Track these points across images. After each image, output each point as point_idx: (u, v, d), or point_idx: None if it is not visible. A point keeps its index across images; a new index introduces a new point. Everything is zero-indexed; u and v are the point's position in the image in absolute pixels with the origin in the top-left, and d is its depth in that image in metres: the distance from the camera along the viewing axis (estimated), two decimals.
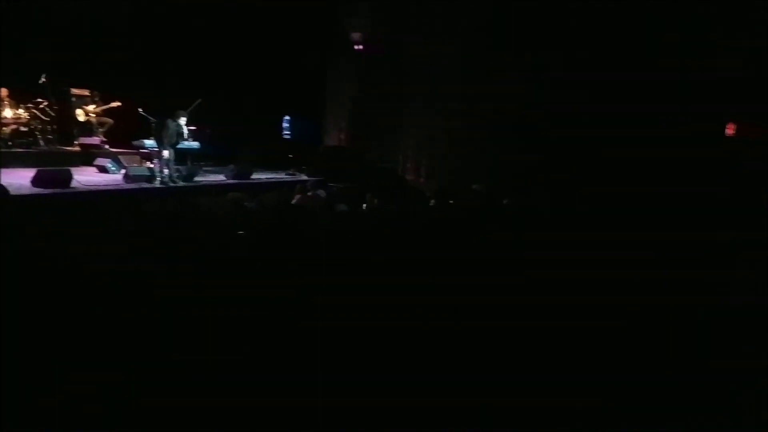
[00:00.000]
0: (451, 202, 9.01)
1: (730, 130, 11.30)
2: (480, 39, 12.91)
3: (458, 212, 8.19)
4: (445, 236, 5.75)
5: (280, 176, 12.84)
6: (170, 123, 10.06)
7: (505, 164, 12.32)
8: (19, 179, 8.83)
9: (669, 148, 10.62)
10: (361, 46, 14.60)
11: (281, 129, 14.89)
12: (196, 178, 10.96)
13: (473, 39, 13.07)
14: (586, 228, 6.05)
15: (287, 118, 14.91)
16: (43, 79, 11.60)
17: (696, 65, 10.81)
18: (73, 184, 9.09)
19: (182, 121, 10.30)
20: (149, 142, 10.83)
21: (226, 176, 11.61)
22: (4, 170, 8.71)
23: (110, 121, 12.67)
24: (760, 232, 5.24)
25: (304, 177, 12.48)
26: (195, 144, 11.47)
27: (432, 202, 8.93)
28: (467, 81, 13.14)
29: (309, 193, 8.69)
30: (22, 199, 7.99)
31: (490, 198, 9.37)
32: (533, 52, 12.13)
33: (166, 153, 9.99)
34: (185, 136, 10.54)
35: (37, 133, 11.62)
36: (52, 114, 11.90)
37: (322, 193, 8.94)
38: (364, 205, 8.36)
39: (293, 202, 8.38)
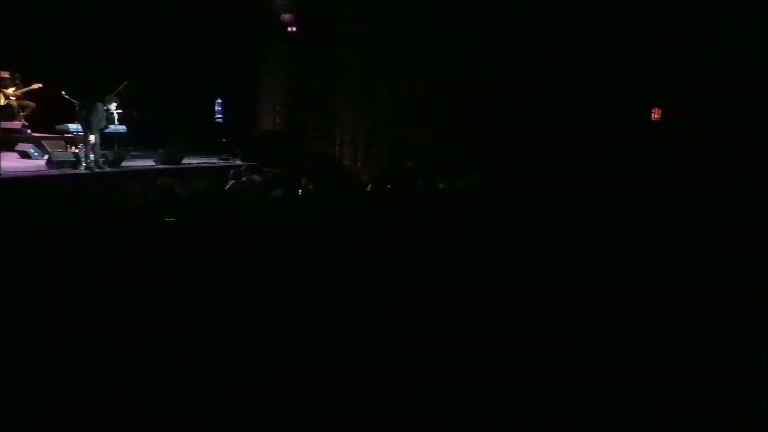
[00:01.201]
0: (389, 186, 9.02)
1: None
2: (412, 21, 12.95)
3: (395, 196, 8.20)
4: (381, 221, 5.70)
5: (213, 161, 12.60)
6: (99, 107, 9.73)
7: (440, 147, 12.44)
8: None
9: (599, 128, 10.90)
10: (293, 28, 14.44)
11: (213, 112, 14.56)
12: (124, 164, 10.63)
13: (406, 21, 13.10)
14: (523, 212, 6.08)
15: (219, 101, 14.58)
16: None
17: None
18: None
19: (112, 106, 10.00)
20: (74, 126, 10.43)
21: (155, 161, 11.30)
22: None
23: (32, 104, 12.11)
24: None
25: (238, 162, 12.25)
26: (122, 128, 11.13)
27: (369, 187, 8.91)
28: (401, 64, 13.17)
29: (243, 179, 8.54)
30: None
31: (425, 179, 9.42)
32: (466, 34, 12.27)
33: (92, 138, 9.65)
34: (114, 120, 10.20)
35: None
36: None
37: (257, 178, 8.78)
38: (300, 191, 8.28)
39: (227, 187, 8.21)
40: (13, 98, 12.00)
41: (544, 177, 9.06)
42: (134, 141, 11.96)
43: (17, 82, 12.10)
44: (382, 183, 9.17)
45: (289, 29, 14.50)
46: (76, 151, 10.09)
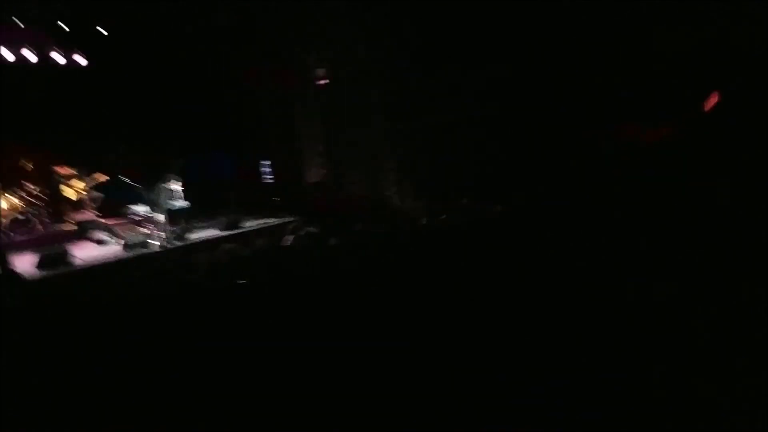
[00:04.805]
0: (444, 216, 9.27)
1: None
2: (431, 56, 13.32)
3: (452, 224, 8.39)
4: (446, 249, 5.99)
5: (270, 220, 13.10)
6: (163, 187, 10.44)
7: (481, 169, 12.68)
8: (24, 264, 9.26)
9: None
10: (324, 81, 15.13)
11: (262, 174, 15.36)
12: (191, 236, 11.32)
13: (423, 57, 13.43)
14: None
15: (267, 162, 15.39)
16: (31, 166, 12.08)
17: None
18: (76, 261, 9.52)
19: (178, 185, 10.76)
20: (141, 209, 11.27)
21: (218, 229, 11.95)
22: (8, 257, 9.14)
23: (101, 195, 13.10)
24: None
25: (291, 218, 12.83)
26: (185, 203, 11.81)
27: (424, 220, 9.21)
28: (425, 99, 13.57)
29: (301, 233, 9.08)
30: (32, 283, 8.43)
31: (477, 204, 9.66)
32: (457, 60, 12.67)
33: (161, 217, 10.37)
34: (180, 197, 10.94)
35: (34, 218, 12.07)
36: (45, 198, 12.36)
37: (313, 230, 9.29)
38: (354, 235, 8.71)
39: (287, 243, 8.76)
40: (84, 192, 13.04)
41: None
42: (196, 212, 12.77)
43: (83, 176, 13.16)
44: (434, 215, 9.45)
45: (320, 83, 15.21)
46: (147, 231, 10.84)
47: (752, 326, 3.15)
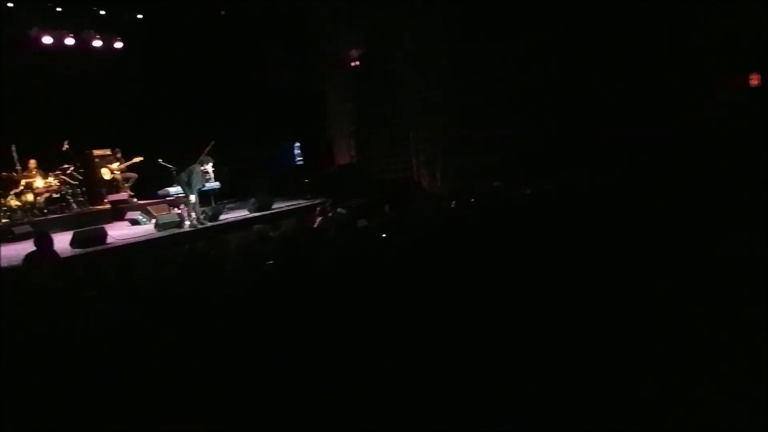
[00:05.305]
0: (473, 200, 9.10)
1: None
2: (465, 35, 13.07)
3: (479, 209, 8.24)
4: (469, 235, 5.73)
5: (299, 202, 13.20)
6: (195, 168, 10.52)
7: (515, 157, 12.41)
8: (58, 243, 9.41)
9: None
10: (357, 63, 15.07)
11: (293, 156, 15.43)
12: (222, 217, 11.41)
13: (458, 35, 13.22)
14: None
15: (297, 144, 15.45)
16: (66, 146, 12.30)
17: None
18: (109, 240, 9.67)
19: (208, 166, 10.84)
20: (173, 190, 11.41)
21: (248, 210, 12.04)
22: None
23: (134, 175, 13.33)
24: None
25: (322, 199, 12.87)
26: (216, 184, 11.97)
27: (453, 203, 9.07)
28: (459, 79, 13.35)
29: (330, 214, 9.07)
30: (66, 260, 8.57)
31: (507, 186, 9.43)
32: (523, 44, 12.38)
33: (192, 197, 10.47)
34: (209, 178, 11.03)
35: (68, 197, 12.32)
36: (80, 177, 12.60)
37: (342, 211, 9.23)
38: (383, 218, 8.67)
39: (315, 225, 8.77)
40: (118, 172, 13.25)
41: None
42: (227, 194, 12.90)
43: (119, 156, 13.37)
44: (463, 197, 9.29)
45: (353, 64, 15.17)
46: (179, 211, 10.94)
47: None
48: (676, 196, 6.11)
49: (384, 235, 6.30)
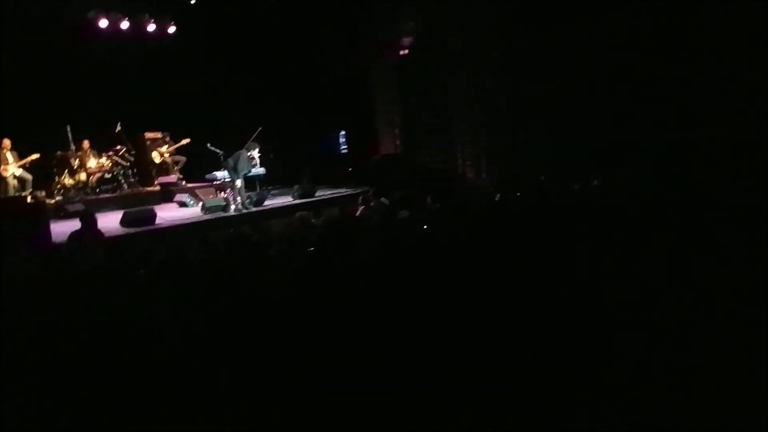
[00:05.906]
0: (518, 194, 8.96)
1: None
2: (515, 27, 12.89)
3: (522, 204, 8.09)
4: (507, 229, 5.56)
5: (343, 190, 13.26)
6: (243, 153, 10.69)
7: (563, 152, 12.02)
8: (108, 222, 9.69)
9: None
10: (406, 51, 15.00)
11: (339, 144, 15.51)
12: (266, 202, 11.55)
13: (507, 27, 13.08)
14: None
15: (342, 133, 15.53)
16: (119, 128, 12.62)
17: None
18: (158, 221, 9.91)
19: (255, 152, 11.00)
20: (220, 174, 11.61)
21: (292, 197, 12.15)
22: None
23: (183, 158, 13.61)
24: None
25: (365, 188, 12.89)
26: (261, 170, 12.10)
27: (497, 196, 8.95)
28: (508, 71, 13.20)
29: (372, 203, 9.11)
30: (116, 239, 8.82)
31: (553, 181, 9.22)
32: (572, 37, 12.12)
33: (238, 182, 10.65)
34: (256, 164, 11.19)
35: (120, 178, 12.67)
36: (131, 159, 12.92)
37: (384, 201, 9.24)
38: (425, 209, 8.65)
39: (357, 213, 8.82)
40: (167, 155, 13.54)
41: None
42: (272, 180, 13.06)
43: (168, 140, 13.66)
44: (509, 191, 9.14)
45: (402, 52, 15.11)
46: (225, 196, 11.14)
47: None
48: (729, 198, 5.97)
49: (425, 227, 6.31)
